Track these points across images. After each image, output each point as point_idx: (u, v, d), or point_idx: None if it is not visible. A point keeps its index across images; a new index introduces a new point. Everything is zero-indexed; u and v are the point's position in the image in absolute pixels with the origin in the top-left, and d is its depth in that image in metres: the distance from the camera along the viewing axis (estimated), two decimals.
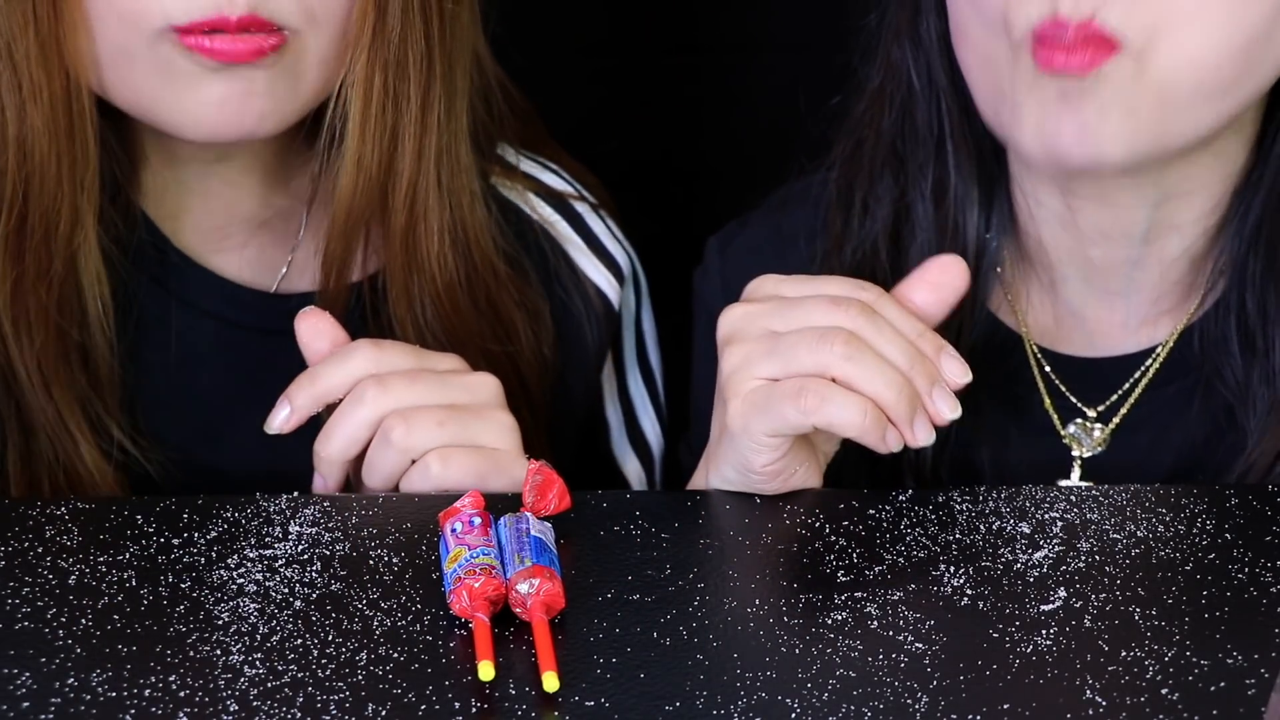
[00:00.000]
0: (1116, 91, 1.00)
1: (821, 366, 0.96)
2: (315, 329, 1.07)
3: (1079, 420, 1.12)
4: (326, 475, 1.05)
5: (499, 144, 1.19)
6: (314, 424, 1.12)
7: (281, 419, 1.05)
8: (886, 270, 1.13)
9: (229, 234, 1.14)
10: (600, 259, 1.21)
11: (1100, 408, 1.12)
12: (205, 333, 1.13)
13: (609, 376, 1.24)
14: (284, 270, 1.15)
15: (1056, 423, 1.13)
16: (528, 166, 1.21)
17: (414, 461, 1.03)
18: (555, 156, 1.23)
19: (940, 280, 1.00)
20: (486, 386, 1.06)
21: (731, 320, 1.00)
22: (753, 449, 0.98)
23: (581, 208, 1.22)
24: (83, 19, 1.03)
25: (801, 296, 0.99)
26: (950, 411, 0.98)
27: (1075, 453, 1.12)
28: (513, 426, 1.05)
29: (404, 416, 1.03)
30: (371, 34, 1.06)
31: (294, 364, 1.12)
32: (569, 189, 1.22)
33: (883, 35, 1.15)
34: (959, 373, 0.98)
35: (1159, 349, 1.11)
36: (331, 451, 1.04)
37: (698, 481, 1.05)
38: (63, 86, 1.04)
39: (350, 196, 1.09)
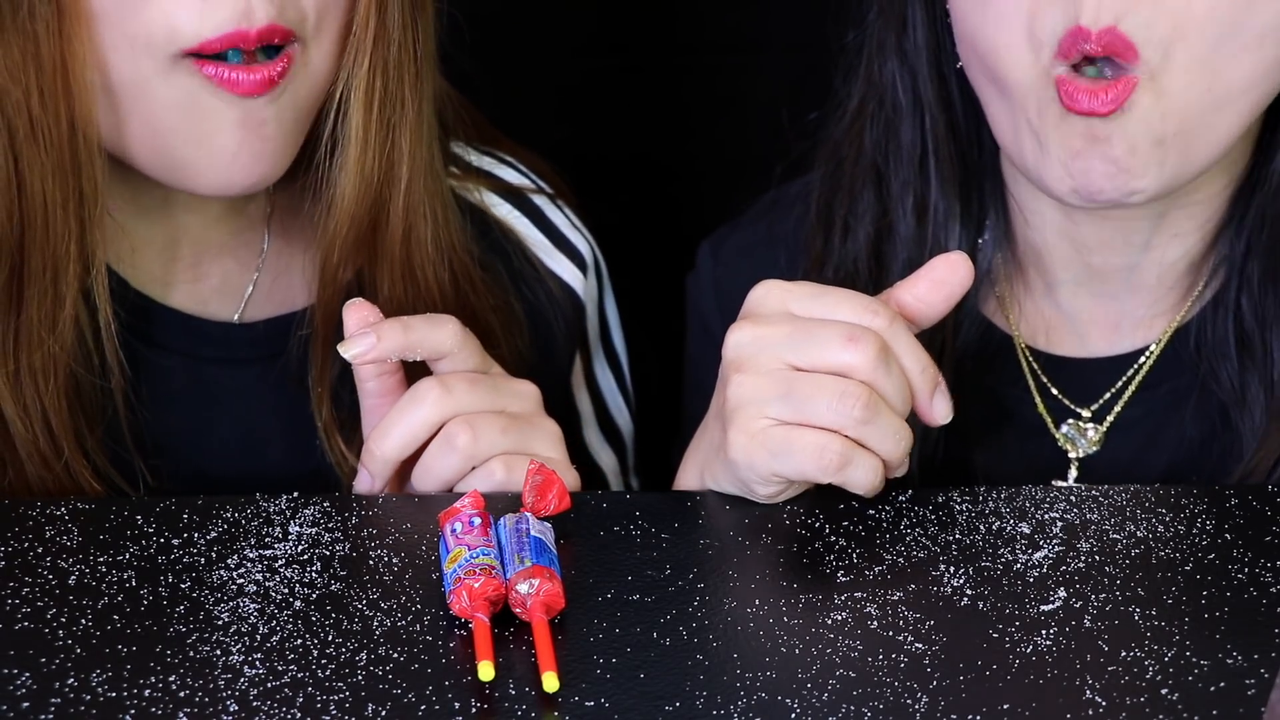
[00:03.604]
0: (1140, 123, 0.99)
1: (839, 425, 0.95)
2: (364, 321, 1.04)
3: (1073, 421, 1.13)
4: (376, 474, 1.03)
5: (453, 143, 1.18)
6: (301, 451, 1.11)
7: (363, 349, 1.02)
8: (869, 289, 1.13)
9: (189, 264, 1.12)
10: (563, 251, 1.21)
11: (1094, 407, 1.12)
12: (175, 372, 1.11)
13: (576, 365, 1.24)
14: (248, 294, 1.14)
15: (1050, 424, 1.13)
16: (484, 163, 1.20)
17: (473, 468, 1.02)
18: (511, 151, 1.23)
19: (945, 277, 0.99)
20: (532, 394, 1.06)
21: (740, 344, 0.97)
22: (757, 481, 0.98)
23: (540, 200, 1.21)
24: (91, 52, 1.00)
25: (813, 319, 0.97)
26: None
27: (1070, 453, 1.12)
28: (559, 434, 1.05)
29: (469, 422, 1.02)
30: (374, 38, 1.05)
31: (268, 391, 1.12)
32: (526, 183, 1.21)
33: (864, 52, 1.15)
34: (944, 414, 0.98)
35: (1151, 349, 1.11)
36: (387, 450, 1.02)
37: (687, 480, 1.04)
38: (69, 124, 1.00)
39: (354, 205, 1.08)
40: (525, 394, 1.06)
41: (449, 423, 1.02)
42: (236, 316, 1.13)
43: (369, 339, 1.02)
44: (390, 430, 1.03)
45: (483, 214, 1.18)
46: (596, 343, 1.25)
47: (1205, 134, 1.01)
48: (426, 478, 1.03)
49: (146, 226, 1.10)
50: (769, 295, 0.98)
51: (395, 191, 1.09)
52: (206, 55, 0.99)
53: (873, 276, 1.14)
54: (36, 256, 1.02)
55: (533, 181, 1.22)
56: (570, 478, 1.04)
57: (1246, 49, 0.99)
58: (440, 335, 1.04)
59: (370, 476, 1.04)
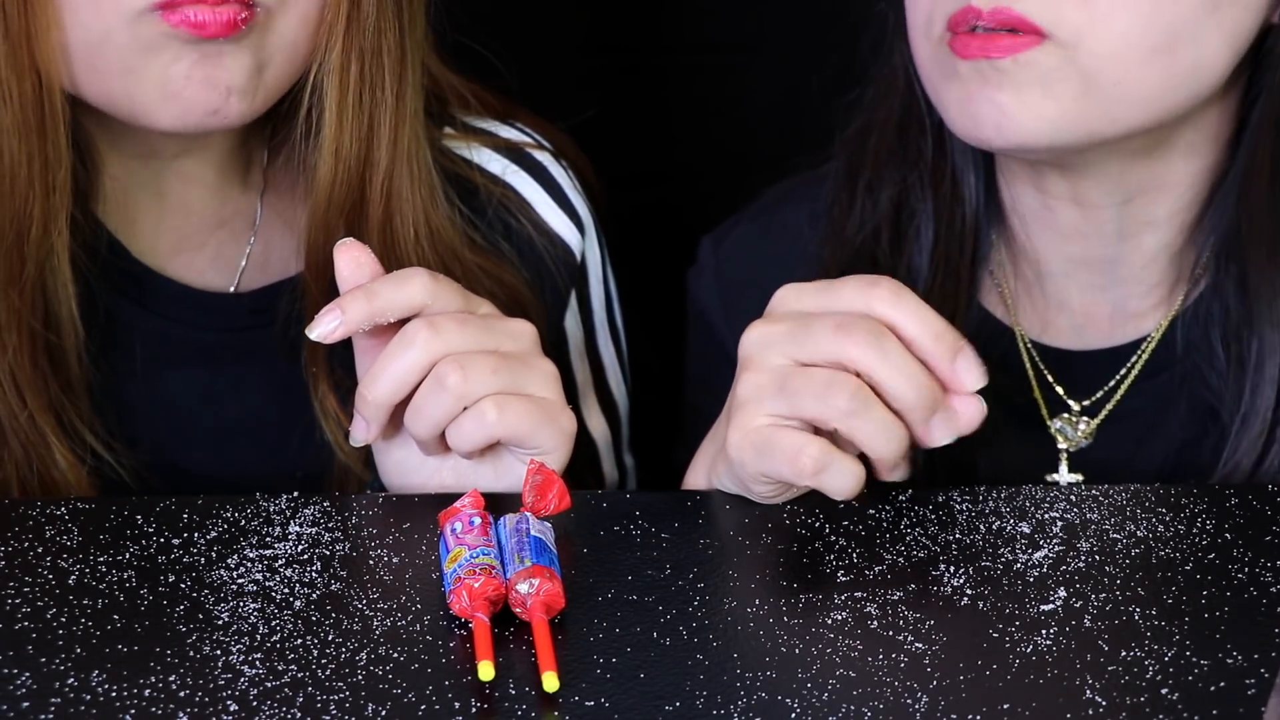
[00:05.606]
0: (1036, 76, 1.01)
1: (826, 417, 0.95)
2: (356, 261, 1.02)
3: (1065, 414, 1.13)
4: (370, 419, 1.01)
5: (452, 109, 1.18)
6: (296, 423, 1.11)
7: (330, 328, 1.00)
8: (886, 252, 1.14)
9: (186, 235, 1.13)
10: (562, 207, 1.20)
11: (1087, 401, 1.13)
12: (169, 338, 1.12)
13: (575, 330, 1.23)
14: (242, 266, 1.14)
15: (1045, 416, 1.13)
16: (483, 124, 1.20)
17: (464, 408, 1.00)
18: (518, 115, 1.23)
19: (959, 411, 0.98)
20: (526, 333, 1.03)
21: (750, 341, 0.98)
22: (750, 479, 0.98)
23: (542, 156, 1.21)
24: (54, 12, 1.01)
25: (815, 312, 0.97)
26: (945, 436, 0.97)
27: (1062, 446, 1.12)
28: (555, 375, 1.03)
29: (459, 362, 0.99)
30: (346, 21, 1.06)
31: (260, 359, 1.12)
32: (526, 139, 1.21)
33: (886, 26, 1.16)
34: (975, 378, 0.97)
35: (1146, 342, 1.12)
36: (379, 394, 1.00)
37: (695, 480, 1.05)
38: (34, 86, 1.01)
39: (329, 186, 1.09)
40: (519, 333, 1.03)
41: (439, 363, 1.00)
42: (233, 287, 1.14)
43: (334, 316, 1.00)
44: (380, 375, 1.00)
45: (482, 173, 1.18)
46: (602, 318, 1.24)
47: (1117, 110, 1.02)
48: (418, 420, 1.01)
49: (145, 196, 1.11)
50: (785, 296, 0.99)
51: (374, 176, 1.09)
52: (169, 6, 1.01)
53: (890, 243, 1.14)
54: (5, 215, 1.03)
55: (533, 138, 1.21)
56: (565, 419, 1.02)
57: (1158, 51, 1.00)
58: (408, 292, 1.01)
59: (365, 422, 1.02)
